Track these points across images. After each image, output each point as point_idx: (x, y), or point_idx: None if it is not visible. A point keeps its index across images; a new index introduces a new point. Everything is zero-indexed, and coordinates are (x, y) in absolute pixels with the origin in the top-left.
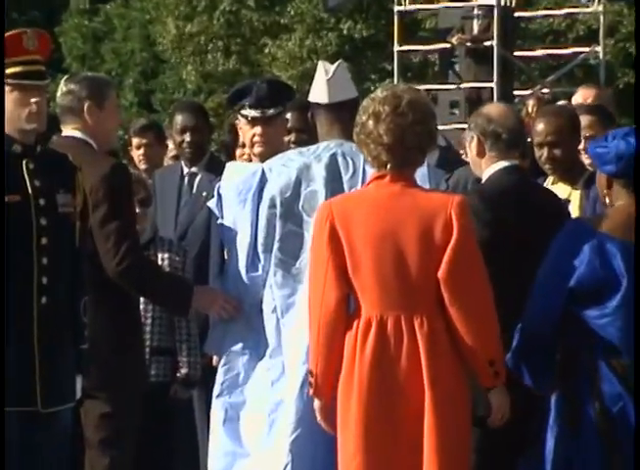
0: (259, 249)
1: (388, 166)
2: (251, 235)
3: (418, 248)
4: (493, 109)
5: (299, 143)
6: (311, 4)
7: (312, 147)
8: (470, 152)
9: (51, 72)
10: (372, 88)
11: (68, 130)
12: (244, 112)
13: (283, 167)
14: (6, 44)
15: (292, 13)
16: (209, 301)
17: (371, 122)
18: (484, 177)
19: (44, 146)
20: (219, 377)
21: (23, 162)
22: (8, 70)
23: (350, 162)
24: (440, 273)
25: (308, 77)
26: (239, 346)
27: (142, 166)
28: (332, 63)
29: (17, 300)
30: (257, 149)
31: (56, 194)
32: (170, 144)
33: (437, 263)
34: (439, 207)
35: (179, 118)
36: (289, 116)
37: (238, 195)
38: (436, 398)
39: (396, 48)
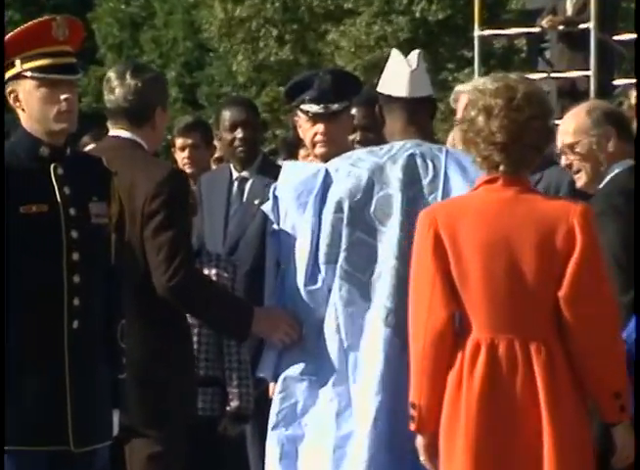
0: (321, 259)
1: (501, 168)
2: (311, 243)
3: (534, 262)
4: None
5: (366, 143)
6: None
7: (385, 146)
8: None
9: (83, 64)
10: (449, 79)
11: (117, 130)
12: (304, 107)
13: (352, 168)
14: (32, 33)
15: None
16: (271, 325)
17: (481, 118)
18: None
19: (74, 148)
20: (274, 406)
21: (52, 166)
22: (34, 63)
23: (430, 164)
24: (561, 291)
25: (376, 68)
26: (296, 371)
27: (187, 171)
28: (404, 50)
29: (44, 324)
30: (320, 149)
31: (88, 203)
32: (217, 145)
33: (557, 280)
34: (560, 215)
35: (227, 114)
36: (354, 111)
37: (297, 198)
38: (556, 435)
39: (477, 32)
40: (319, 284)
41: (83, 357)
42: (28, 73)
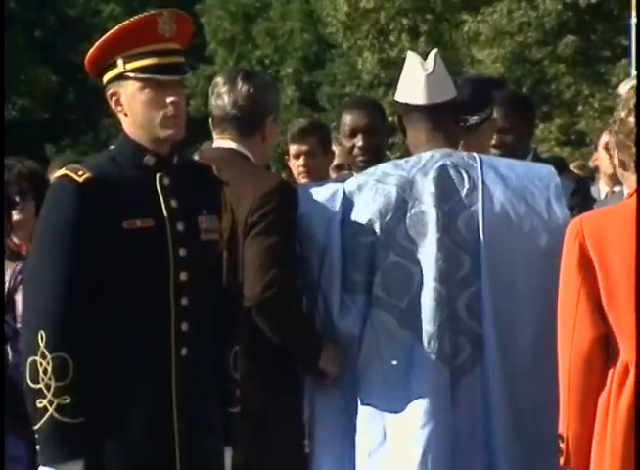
0: (351, 288)
1: None
2: (338, 271)
3: None
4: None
5: (503, 147)
6: None
7: (411, 158)
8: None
9: (191, 63)
10: (601, 71)
11: (223, 140)
12: None
13: (378, 184)
14: (136, 30)
15: None
16: (334, 360)
17: (632, 119)
18: None
19: (182, 156)
20: (312, 453)
21: (157, 176)
22: (138, 63)
23: (465, 175)
24: None
25: (520, 58)
26: (331, 410)
27: (302, 180)
28: (550, 38)
29: (150, 351)
30: None
31: (197, 216)
32: (335, 150)
33: None
34: None
35: (348, 118)
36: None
37: (317, 224)
38: None
39: (634, 19)
40: (351, 316)
41: (192, 388)
42: (132, 74)
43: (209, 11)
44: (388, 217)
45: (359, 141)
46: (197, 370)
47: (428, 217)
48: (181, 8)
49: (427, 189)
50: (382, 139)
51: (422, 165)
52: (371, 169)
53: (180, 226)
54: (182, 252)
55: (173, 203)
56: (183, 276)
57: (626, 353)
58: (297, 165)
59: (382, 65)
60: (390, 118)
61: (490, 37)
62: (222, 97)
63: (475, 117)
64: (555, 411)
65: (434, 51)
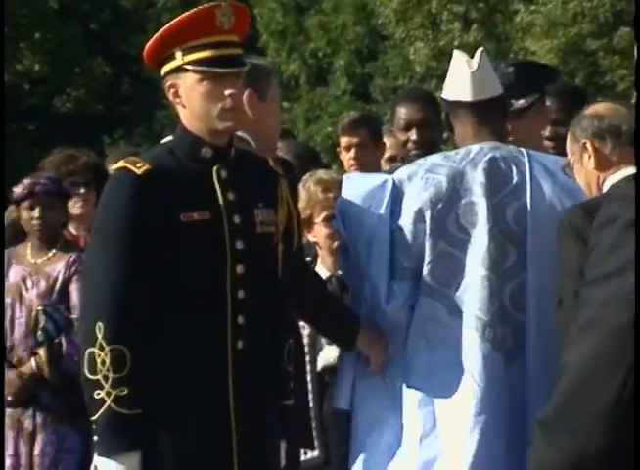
0: (400, 275)
1: None
2: (387, 259)
3: None
4: (597, 106)
5: (556, 139)
6: None
7: (460, 150)
8: (580, 171)
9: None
10: None
11: None
12: None
13: (429, 174)
14: (194, 22)
15: None
16: (373, 340)
17: None
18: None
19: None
20: (356, 436)
21: (214, 169)
22: (196, 55)
23: (514, 168)
24: None
25: (574, 49)
26: (378, 399)
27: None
28: (604, 29)
29: (206, 344)
30: None
31: (254, 209)
32: (387, 142)
33: None
34: None
35: (402, 111)
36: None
37: (366, 212)
38: None
39: None
40: (398, 302)
41: (249, 381)
42: (190, 67)
43: (262, 2)
44: (440, 206)
45: (413, 135)
46: (253, 363)
47: (478, 208)
48: None
49: (477, 180)
50: (436, 133)
51: (471, 157)
52: (420, 160)
53: (237, 219)
54: (239, 244)
55: (230, 195)
56: (240, 269)
57: None
58: (347, 158)
59: (434, 55)
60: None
61: (544, 28)
62: None
63: (520, 102)
64: None
65: (480, 49)
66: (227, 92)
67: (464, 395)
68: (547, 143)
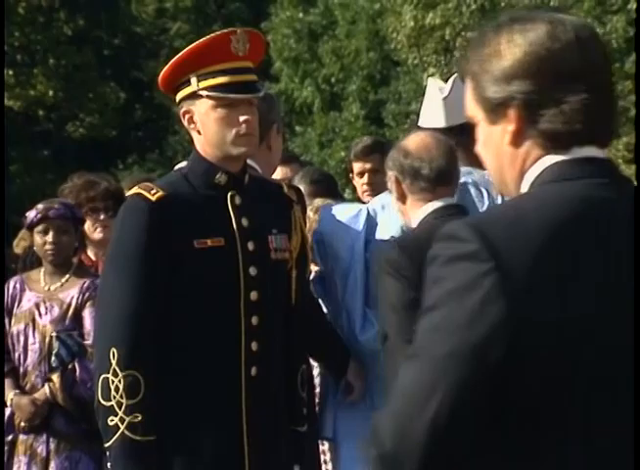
0: (374, 304)
1: None
2: (362, 289)
3: None
4: (412, 138)
5: None
6: None
7: None
8: (392, 197)
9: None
10: None
11: None
12: None
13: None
14: (209, 48)
15: None
16: (357, 369)
17: None
18: (414, 227)
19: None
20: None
21: (229, 195)
22: (211, 82)
23: (485, 192)
24: None
25: None
26: (357, 431)
27: (366, 198)
28: (616, 55)
29: (219, 370)
30: None
31: (268, 235)
32: None
33: None
34: None
35: None
36: None
37: (341, 242)
38: None
39: None
40: (373, 331)
41: (262, 408)
42: (205, 93)
43: (275, 29)
44: None
45: None
46: (266, 389)
47: None
48: (248, 26)
49: None
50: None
51: None
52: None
53: (251, 245)
54: (252, 271)
55: (244, 222)
56: (253, 295)
57: None
58: (360, 183)
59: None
60: None
61: None
62: None
63: None
64: None
65: (455, 75)
66: (241, 118)
67: None
68: None
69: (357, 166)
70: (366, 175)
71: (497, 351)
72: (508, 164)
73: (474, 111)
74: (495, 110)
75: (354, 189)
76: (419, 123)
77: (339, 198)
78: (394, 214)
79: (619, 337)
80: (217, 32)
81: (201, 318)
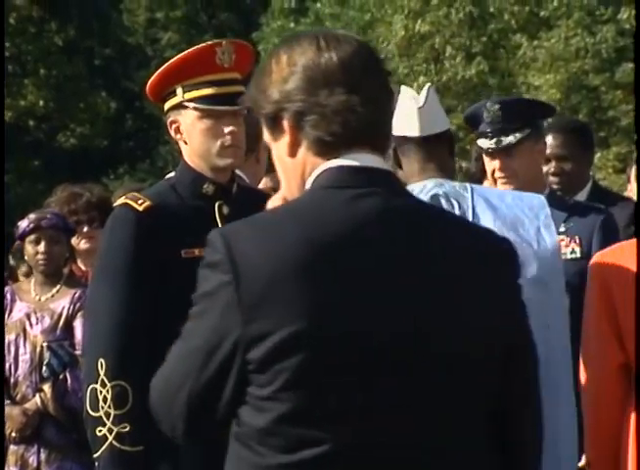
0: None
1: None
2: None
3: None
4: None
5: (562, 175)
6: None
7: (407, 188)
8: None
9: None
10: None
11: None
12: (479, 141)
13: None
14: (195, 59)
15: (554, 4)
16: None
17: None
18: None
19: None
20: None
21: (216, 205)
22: (196, 93)
23: (456, 204)
24: None
25: (576, 84)
26: None
27: None
28: (606, 65)
29: None
30: (502, 187)
31: None
32: None
33: None
34: None
35: None
36: (549, 139)
37: None
38: None
39: None
40: None
41: None
42: (190, 104)
43: (267, 39)
44: None
45: None
46: None
47: None
48: (239, 36)
49: None
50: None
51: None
52: None
53: None
54: None
55: None
56: None
57: None
58: None
59: (438, 91)
60: None
61: (547, 63)
62: None
63: (510, 138)
64: (549, 438)
65: (428, 85)
66: (227, 130)
67: None
68: (552, 178)
69: None
70: None
71: (235, 357)
72: (292, 176)
73: (265, 133)
74: (273, 126)
75: None
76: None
77: None
78: None
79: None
80: (203, 44)
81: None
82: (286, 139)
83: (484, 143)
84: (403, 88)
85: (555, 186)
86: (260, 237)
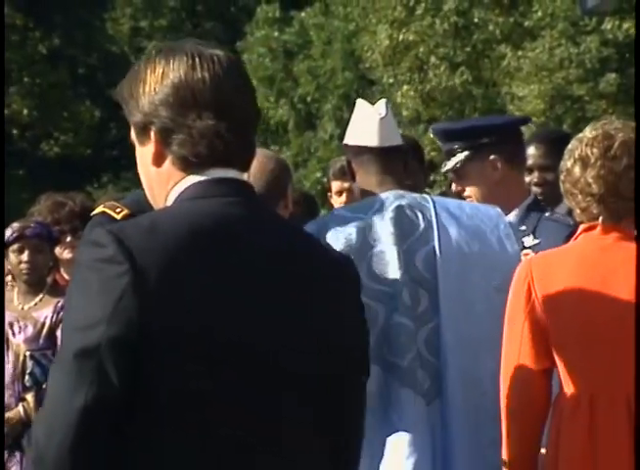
0: None
1: (600, 220)
2: None
3: (630, 312)
4: None
5: (544, 185)
6: (564, 3)
7: (363, 202)
8: None
9: None
10: None
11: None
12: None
13: (339, 227)
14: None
15: (539, 14)
16: None
17: (577, 169)
18: None
19: None
20: None
21: None
22: None
23: (420, 215)
24: None
25: (560, 95)
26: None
27: None
28: (590, 75)
29: None
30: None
31: None
32: None
33: None
34: None
35: None
36: (532, 149)
37: None
38: None
39: None
40: None
41: None
42: None
43: (250, 48)
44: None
45: None
46: None
47: (388, 256)
48: (223, 45)
49: (385, 229)
50: (417, 178)
51: (376, 208)
52: (327, 214)
53: None
54: None
55: None
56: None
57: (577, 386)
58: (339, 202)
59: (422, 100)
60: (432, 154)
61: (531, 73)
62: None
63: (450, 164)
64: None
65: (384, 100)
66: None
67: (395, 442)
68: (534, 189)
69: (335, 185)
70: (344, 194)
71: (133, 344)
72: (156, 183)
73: (132, 133)
74: (141, 133)
75: (331, 209)
76: (345, 141)
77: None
78: (331, 238)
79: (263, 345)
80: None
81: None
82: (152, 149)
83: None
84: (359, 101)
85: (539, 197)
86: (145, 233)
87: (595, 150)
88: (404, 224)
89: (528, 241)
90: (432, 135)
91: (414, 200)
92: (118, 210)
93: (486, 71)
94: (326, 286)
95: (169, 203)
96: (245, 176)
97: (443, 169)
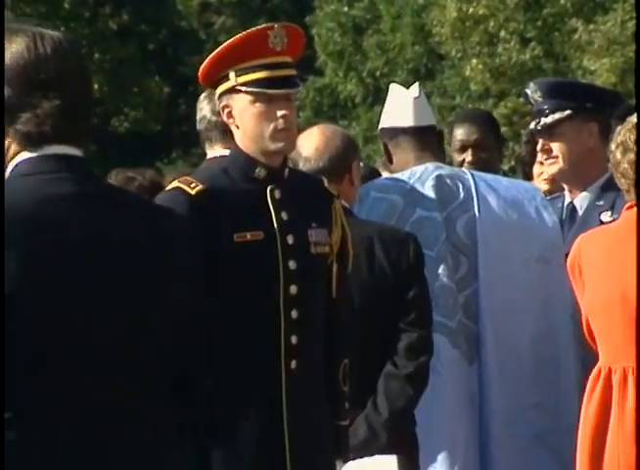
0: None
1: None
2: None
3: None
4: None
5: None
6: None
7: (406, 172)
8: None
9: (301, 75)
10: None
11: (218, 150)
12: (532, 125)
13: (380, 194)
14: (247, 43)
15: None
16: None
17: (619, 154)
18: None
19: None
20: None
21: (268, 189)
22: (249, 77)
23: (460, 184)
24: None
25: (631, 67)
26: None
27: None
28: None
29: (259, 365)
30: (549, 168)
31: (307, 229)
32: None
33: None
34: None
35: (458, 132)
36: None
37: None
38: None
39: None
40: None
41: (302, 402)
42: (243, 88)
43: (320, 23)
44: (392, 223)
45: (468, 156)
46: (306, 383)
47: (430, 222)
48: (292, 20)
49: (426, 196)
50: (492, 154)
51: (418, 177)
52: (368, 183)
53: (290, 239)
54: (292, 265)
55: (284, 215)
56: (293, 289)
57: (601, 359)
58: None
59: (491, 74)
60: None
61: (603, 47)
62: (207, 110)
63: (546, 120)
64: (551, 409)
65: (417, 83)
66: (279, 113)
67: (440, 395)
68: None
69: None
70: None
71: None
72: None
73: None
74: None
75: None
76: (381, 125)
77: None
78: (373, 205)
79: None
80: (255, 28)
81: (240, 312)
82: None
83: (531, 125)
84: (393, 85)
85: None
86: None
87: (633, 136)
88: (444, 192)
89: (606, 217)
90: (527, 90)
91: (452, 171)
92: (193, 184)
93: (557, 46)
94: (155, 256)
95: (6, 178)
96: (79, 151)
97: (532, 126)
